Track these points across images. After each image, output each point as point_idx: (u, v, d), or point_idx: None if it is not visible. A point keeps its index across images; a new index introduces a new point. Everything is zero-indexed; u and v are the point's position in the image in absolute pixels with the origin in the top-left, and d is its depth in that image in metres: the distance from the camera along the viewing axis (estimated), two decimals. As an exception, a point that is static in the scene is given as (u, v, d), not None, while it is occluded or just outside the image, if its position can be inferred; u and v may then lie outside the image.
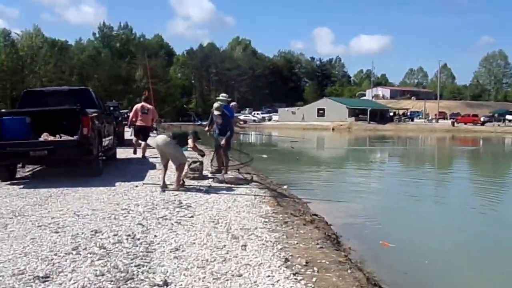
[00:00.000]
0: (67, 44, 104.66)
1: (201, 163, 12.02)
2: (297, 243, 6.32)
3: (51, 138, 11.16)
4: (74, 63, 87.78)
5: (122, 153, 17.37)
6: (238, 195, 9.74)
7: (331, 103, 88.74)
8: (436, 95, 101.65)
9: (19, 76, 71.55)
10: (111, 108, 18.95)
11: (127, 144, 21.41)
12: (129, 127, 20.11)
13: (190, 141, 10.24)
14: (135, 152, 16.51)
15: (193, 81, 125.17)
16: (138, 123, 16.20)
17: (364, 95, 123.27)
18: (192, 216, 7.70)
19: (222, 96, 13.76)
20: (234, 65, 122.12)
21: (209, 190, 10.05)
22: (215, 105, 12.44)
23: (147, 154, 16.45)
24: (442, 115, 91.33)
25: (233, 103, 17.35)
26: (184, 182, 10.53)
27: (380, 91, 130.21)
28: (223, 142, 12.06)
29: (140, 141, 16.49)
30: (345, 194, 14.57)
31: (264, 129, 71.32)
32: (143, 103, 16.25)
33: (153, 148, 17.88)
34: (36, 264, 5.26)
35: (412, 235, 9.93)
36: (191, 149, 10.52)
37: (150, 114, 16.22)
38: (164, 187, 10.18)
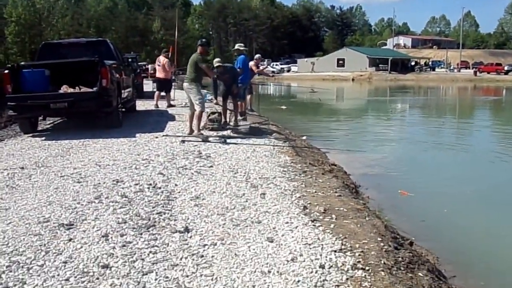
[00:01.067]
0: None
1: (220, 114, 12.06)
2: (315, 192, 6.39)
3: (70, 90, 11.24)
4: (91, 15, 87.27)
5: (142, 105, 17.51)
6: (257, 145, 9.79)
7: (351, 53, 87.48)
8: (459, 44, 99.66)
9: (36, 29, 71.36)
10: (129, 59, 19.06)
11: (147, 96, 21.56)
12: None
13: (204, 66, 10.76)
14: (168, 106, 17.25)
15: (210, 32, 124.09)
16: (156, 75, 17.59)
17: (385, 44, 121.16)
18: (211, 166, 7.80)
19: (239, 45, 13.69)
20: (252, 15, 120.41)
21: (228, 141, 10.12)
22: (215, 61, 12.17)
23: (167, 106, 16.87)
24: (464, 65, 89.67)
25: (257, 55, 17.38)
26: (202, 133, 10.61)
27: (401, 40, 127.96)
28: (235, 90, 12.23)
29: (162, 93, 17.16)
30: (364, 144, 14.59)
31: (283, 80, 70.96)
32: (159, 56, 17.30)
33: (174, 100, 18.14)
34: (60, 212, 5.42)
35: (431, 184, 9.95)
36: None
37: (162, 66, 17.10)
38: (191, 132, 10.83)
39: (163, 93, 17.21)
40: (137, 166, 7.76)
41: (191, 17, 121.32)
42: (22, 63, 13.48)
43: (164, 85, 17.29)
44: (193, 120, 10.93)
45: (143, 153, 8.84)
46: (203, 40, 11.56)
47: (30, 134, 11.41)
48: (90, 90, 11.14)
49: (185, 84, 10.92)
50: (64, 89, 11.27)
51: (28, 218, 5.23)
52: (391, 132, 18.43)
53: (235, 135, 10.97)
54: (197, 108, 10.64)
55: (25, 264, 4.08)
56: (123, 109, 13.36)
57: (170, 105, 17.05)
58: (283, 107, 26.42)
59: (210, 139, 10.29)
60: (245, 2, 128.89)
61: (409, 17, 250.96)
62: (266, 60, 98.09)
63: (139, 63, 32.64)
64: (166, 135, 10.79)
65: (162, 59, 17.10)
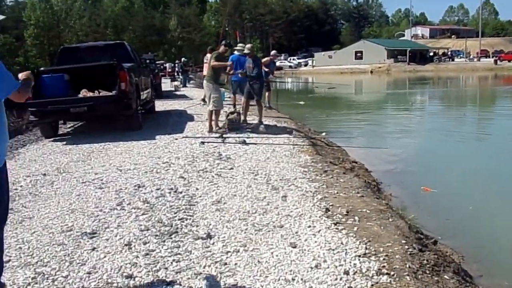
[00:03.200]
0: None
1: (239, 113, 12.03)
2: (337, 193, 6.33)
3: (90, 94, 11.32)
4: (108, 15, 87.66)
5: (161, 105, 17.57)
6: (277, 145, 9.76)
7: (368, 45, 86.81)
8: (478, 32, 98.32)
9: (55, 31, 72.01)
10: (147, 60, 19.13)
11: (165, 96, 21.66)
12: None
13: (215, 63, 11.11)
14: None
15: (227, 29, 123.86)
16: (204, 72, 16.92)
17: (403, 35, 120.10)
18: (232, 168, 7.78)
19: (240, 46, 13.70)
20: (268, 10, 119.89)
21: (247, 141, 10.08)
22: (248, 46, 12.28)
23: (186, 106, 16.96)
24: (484, 53, 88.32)
25: (273, 52, 17.26)
26: (221, 134, 10.67)
27: (419, 30, 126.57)
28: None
29: None
30: (385, 139, 14.45)
31: (300, 74, 70.71)
32: (207, 54, 16.78)
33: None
34: (83, 220, 5.43)
35: (456, 179, 9.78)
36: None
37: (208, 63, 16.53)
38: (210, 130, 11.18)
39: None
40: (158, 170, 7.77)
41: (207, 14, 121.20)
42: (42, 68, 13.59)
43: None
44: (212, 118, 11.14)
45: (164, 156, 8.86)
46: (228, 41, 12.05)
47: (51, 139, 11.52)
48: (109, 93, 11.20)
49: (204, 82, 11.50)
50: (84, 93, 11.34)
51: (51, 227, 5.26)
52: (412, 125, 18.23)
53: (254, 135, 10.93)
54: (209, 107, 11.16)
55: (50, 276, 4.09)
56: (143, 111, 13.40)
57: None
58: (301, 102, 26.31)
59: (229, 139, 10.27)
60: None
61: (426, 7, 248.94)
62: (282, 55, 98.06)
63: (157, 62, 32.82)
64: (186, 137, 10.80)
65: (209, 56, 16.60)
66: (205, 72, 16.79)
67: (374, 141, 13.72)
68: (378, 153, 11.92)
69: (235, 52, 13.69)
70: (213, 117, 11.20)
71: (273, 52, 17.33)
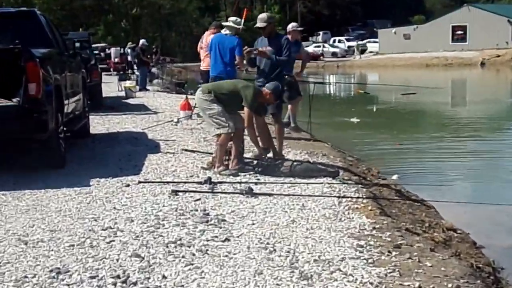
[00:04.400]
0: None
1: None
2: (420, 287, 6.30)
3: (-26, 103, 11.40)
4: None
5: (102, 123, 17.64)
6: (308, 196, 9.75)
7: (478, 16, 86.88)
8: None
9: None
10: (77, 43, 19.16)
11: (109, 106, 21.72)
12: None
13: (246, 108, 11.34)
14: None
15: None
16: (201, 66, 17.17)
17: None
18: (227, 239, 7.74)
19: (231, 20, 13.83)
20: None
21: (255, 189, 10.07)
22: (263, 15, 12.39)
23: (146, 125, 17.04)
24: None
25: (291, 24, 17.10)
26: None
27: None
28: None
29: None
30: (506, 189, 14.40)
31: (352, 68, 70.88)
32: (204, 34, 17.34)
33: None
34: None
35: None
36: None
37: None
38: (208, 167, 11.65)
39: None
40: (93, 241, 7.75)
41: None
42: None
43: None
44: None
45: (105, 216, 8.85)
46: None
47: None
48: (8, 102, 11.25)
49: (198, 92, 11.94)
50: (-37, 102, 11.42)
51: None
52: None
53: (269, 178, 10.93)
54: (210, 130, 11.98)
55: None
56: (68, 134, 13.41)
57: None
58: (355, 119, 26.39)
59: (223, 186, 10.31)
60: None
61: None
62: (320, 33, 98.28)
63: (95, 46, 33.06)
64: (145, 181, 10.82)
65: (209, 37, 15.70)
66: (203, 65, 16.74)
67: (486, 193, 13.68)
68: (493, 213, 11.90)
69: (222, 31, 13.73)
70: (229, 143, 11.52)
71: (291, 25, 17.02)
